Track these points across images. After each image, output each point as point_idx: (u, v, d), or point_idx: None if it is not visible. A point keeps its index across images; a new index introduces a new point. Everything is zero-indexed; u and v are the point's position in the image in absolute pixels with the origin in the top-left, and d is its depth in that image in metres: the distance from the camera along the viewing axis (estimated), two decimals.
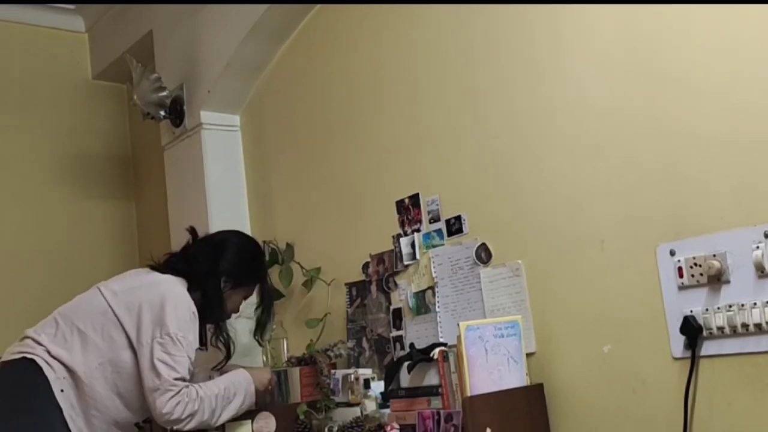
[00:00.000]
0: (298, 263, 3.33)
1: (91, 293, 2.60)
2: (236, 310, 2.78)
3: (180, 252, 2.76)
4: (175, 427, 2.48)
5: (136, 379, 2.48)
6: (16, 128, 4.16)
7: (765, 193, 1.97)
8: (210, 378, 2.67)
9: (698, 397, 2.09)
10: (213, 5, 3.55)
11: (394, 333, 2.94)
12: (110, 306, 2.51)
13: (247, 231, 3.59)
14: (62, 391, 2.44)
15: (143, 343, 2.45)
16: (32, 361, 2.44)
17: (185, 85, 3.68)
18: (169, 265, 2.68)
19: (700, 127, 2.10)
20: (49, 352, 2.46)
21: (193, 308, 2.54)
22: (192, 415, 2.45)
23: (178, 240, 3.05)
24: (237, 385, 2.60)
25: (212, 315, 2.65)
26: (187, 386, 2.45)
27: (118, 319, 2.49)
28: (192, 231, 2.78)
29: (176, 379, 2.43)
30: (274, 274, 3.43)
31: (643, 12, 2.21)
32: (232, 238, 2.79)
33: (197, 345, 2.57)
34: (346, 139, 3.19)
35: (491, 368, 2.36)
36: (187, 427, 2.46)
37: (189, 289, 2.59)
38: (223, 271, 2.67)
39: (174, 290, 2.55)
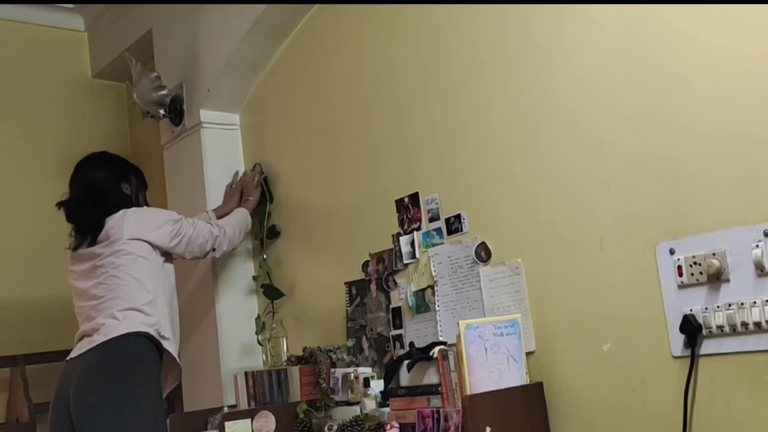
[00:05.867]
0: None
1: None
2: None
3: (83, 222, 3.03)
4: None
5: None
6: (15, 127, 4.16)
7: (765, 192, 1.97)
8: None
9: (698, 396, 2.09)
10: (213, 4, 3.55)
11: (394, 332, 2.94)
12: None
13: None
14: None
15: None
16: None
17: (185, 84, 3.68)
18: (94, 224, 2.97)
19: (700, 125, 2.09)
20: None
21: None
22: None
23: None
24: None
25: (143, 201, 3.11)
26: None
27: None
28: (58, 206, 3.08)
29: None
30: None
31: (645, 10, 2.21)
32: (91, 176, 3.07)
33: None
34: (345, 138, 3.19)
35: (491, 367, 2.36)
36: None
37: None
38: (116, 190, 3.01)
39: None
